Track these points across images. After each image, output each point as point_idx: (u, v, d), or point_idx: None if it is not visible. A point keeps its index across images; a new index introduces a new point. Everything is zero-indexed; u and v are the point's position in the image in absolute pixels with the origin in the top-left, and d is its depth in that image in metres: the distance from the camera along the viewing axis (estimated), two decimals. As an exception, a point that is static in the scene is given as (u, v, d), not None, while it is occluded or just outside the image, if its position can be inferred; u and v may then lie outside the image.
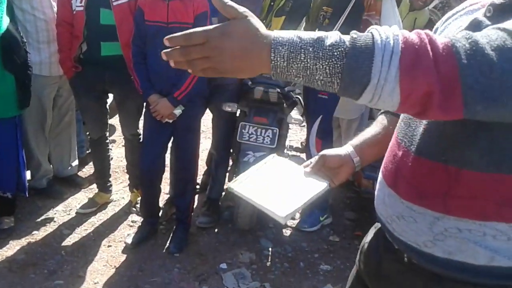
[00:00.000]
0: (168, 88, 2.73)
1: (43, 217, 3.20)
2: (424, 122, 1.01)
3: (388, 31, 0.78)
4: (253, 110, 3.03)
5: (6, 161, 2.89)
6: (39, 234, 3.01)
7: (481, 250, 0.97)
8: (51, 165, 3.52)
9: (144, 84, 2.76)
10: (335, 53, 0.76)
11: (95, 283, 2.61)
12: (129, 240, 2.93)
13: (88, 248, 2.91)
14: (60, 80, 3.25)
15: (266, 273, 2.80)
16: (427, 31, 0.79)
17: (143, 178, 2.97)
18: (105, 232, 3.10)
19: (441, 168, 0.97)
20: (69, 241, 2.97)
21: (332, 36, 0.77)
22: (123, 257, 2.85)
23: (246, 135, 2.98)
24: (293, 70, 0.78)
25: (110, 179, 3.46)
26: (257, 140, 2.96)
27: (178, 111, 2.76)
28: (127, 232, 3.10)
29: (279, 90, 2.97)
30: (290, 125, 3.33)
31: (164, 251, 2.92)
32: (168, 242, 2.98)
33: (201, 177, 3.69)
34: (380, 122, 1.29)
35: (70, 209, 3.32)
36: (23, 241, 2.93)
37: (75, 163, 3.68)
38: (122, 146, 4.03)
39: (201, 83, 2.77)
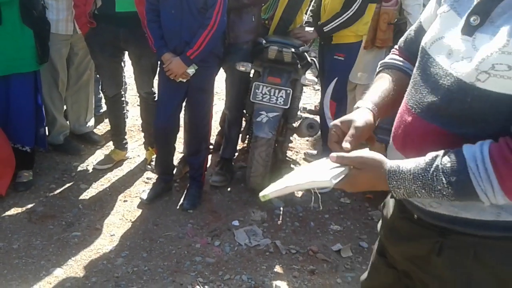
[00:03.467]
0: (181, 47, 2.71)
1: (60, 172, 3.27)
2: (439, 92, 1.02)
3: (478, 156, 0.91)
4: (267, 70, 3.01)
5: (25, 115, 2.94)
6: (57, 188, 3.09)
7: (487, 207, 0.99)
8: (67, 122, 3.57)
9: (158, 43, 2.75)
10: (444, 193, 0.95)
11: (111, 235, 2.69)
12: (144, 196, 3.00)
13: (104, 202, 2.99)
14: (73, 38, 3.25)
15: (277, 231, 2.85)
16: (509, 142, 0.90)
17: (158, 136, 3.00)
18: (121, 187, 3.16)
19: (449, 135, 1.00)
20: (86, 195, 3.05)
21: (438, 179, 0.94)
22: (139, 212, 2.92)
23: (260, 95, 2.96)
24: (415, 197, 1.00)
25: (126, 137, 3.50)
26: (270, 100, 2.95)
27: (191, 70, 2.75)
28: (142, 188, 3.16)
29: (293, 50, 2.93)
30: (304, 86, 3.30)
31: (178, 207, 2.98)
32: (182, 199, 3.04)
33: (215, 137, 3.71)
34: (389, 79, 1.26)
35: (87, 165, 3.39)
36: (42, 194, 3.01)
37: (92, 121, 3.73)
38: (137, 105, 4.07)
39: (215, 42, 2.74)
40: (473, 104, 0.95)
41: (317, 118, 3.49)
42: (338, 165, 1.05)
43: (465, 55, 0.97)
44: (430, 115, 1.02)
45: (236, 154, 3.50)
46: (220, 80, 3.67)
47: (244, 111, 3.30)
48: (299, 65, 3.04)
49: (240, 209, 3.03)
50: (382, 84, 1.25)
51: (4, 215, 2.78)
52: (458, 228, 1.04)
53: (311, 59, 3.18)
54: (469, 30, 0.99)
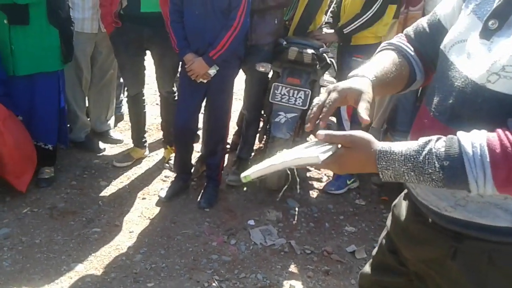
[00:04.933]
0: (204, 48, 2.74)
1: (81, 169, 3.34)
2: (454, 94, 1.02)
3: (476, 144, 0.90)
4: (286, 70, 3.02)
5: (48, 114, 3.00)
6: (77, 185, 3.16)
7: (502, 213, 1.00)
8: (88, 119, 3.63)
9: (180, 43, 2.78)
10: (434, 177, 0.93)
11: (130, 232, 2.74)
12: (163, 194, 3.04)
13: (124, 200, 3.04)
14: (97, 37, 3.31)
15: (292, 231, 2.86)
16: (507, 133, 0.90)
17: (177, 135, 3.04)
18: (140, 185, 3.22)
19: None
20: (106, 192, 3.11)
21: (430, 162, 0.92)
22: (157, 209, 2.97)
23: (279, 96, 2.98)
24: (401, 181, 0.98)
25: (145, 135, 3.55)
26: (289, 101, 2.96)
27: (212, 71, 2.78)
28: (160, 186, 3.21)
29: (313, 51, 2.94)
30: (322, 87, 3.31)
31: (195, 205, 3.02)
32: (199, 197, 3.08)
33: (232, 137, 3.74)
34: (393, 60, 1.19)
35: (107, 162, 3.44)
36: (63, 191, 3.08)
37: (112, 119, 3.79)
38: (156, 104, 4.13)
39: (237, 43, 2.77)
40: (483, 106, 0.95)
41: (334, 119, 3.49)
42: (324, 144, 1.02)
43: (480, 59, 0.98)
44: (446, 118, 1.03)
45: (253, 154, 3.52)
46: (238, 80, 3.70)
47: (262, 111, 3.32)
48: (318, 66, 3.05)
49: (255, 208, 3.05)
50: (385, 61, 1.18)
51: (26, 210, 2.85)
52: (473, 233, 1.04)
53: (329, 60, 3.18)
54: (486, 34, 0.99)
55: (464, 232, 1.05)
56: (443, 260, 1.09)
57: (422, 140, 0.95)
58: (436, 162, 0.91)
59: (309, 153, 1.00)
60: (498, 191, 0.90)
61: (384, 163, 0.96)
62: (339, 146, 1.01)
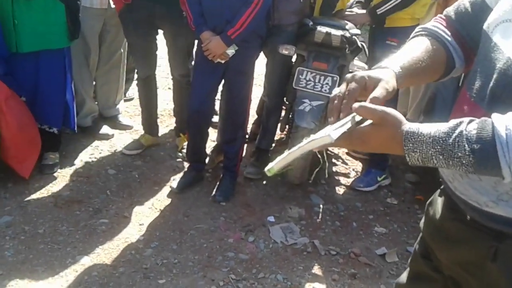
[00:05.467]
0: (222, 26, 2.75)
1: (88, 156, 3.39)
2: (495, 77, 1.01)
3: (510, 127, 0.89)
4: (312, 54, 3.01)
5: (54, 94, 3.05)
6: (84, 172, 3.21)
7: None
8: (96, 103, 3.67)
9: (197, 20, 2.79)
10: (464, 162, 0.93)
11: (140, 225, 2.78)
12: (175, 185, 3.07)
13: (133, 190, 3.08)
14: (106, 13, 3.34)
15: (316, 230, 2.87)
16: None
17: (191, 120, 3.05)
18: (150, 175, 3.25)
19: None
20: (114, 181, 3.15)
21: (460, 145, 0.92)
22: (168, 201, 3.00)
23: (303, 82, 2.97)
24: (429, 165, 0.98)
25: (157, 121, 3.58)
26: (314, 88, 2.95)
27: (231, 51, 2.79)
28: (172, 176, 3.24)
29: (342, 33, 2.92)
30: (351, 73, 3.28)
31: (210, 199, 3.04)
32: (215, 190, 3.10)
33: (251, 126, 3.75)
34: (426, 47, 1.21)
35: (115, 150, 3.49)
36: (68, 178, 3.13)
37: (121, 103, 3.82)
38: (168, 88, 4.15)
39: (258, 22, 2.77)
40: None
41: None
42: (344, 122, 1.02)
43: None
44: (487, 103, 1.03)
45: (274, 145, 3.53)
46: (258, 64, 3.69)
47: (285, 98, 3.32)
48: (347, 50, 3.03)
49: (276, 204, 3.06)
50: (415, 50, 1.20)
51: (29, 198, 2.90)
52: None
53: (360, 44, 3.16)
54: None
55: (506, 230, 1.04)
56: (482, 262, 1.09)
57: (453, 121, 0.96)
58: (467, 145, 0.91)
59: (321, 133, 0.99)
60: None
61: (411, 145, 0.97)
62: (363, 123, 1.01)
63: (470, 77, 1.12)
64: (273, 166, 1.04)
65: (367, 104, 1.01)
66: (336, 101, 1.08)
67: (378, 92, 1.05)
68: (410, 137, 0.97)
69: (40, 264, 2.43)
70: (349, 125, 1.01)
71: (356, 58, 3.31)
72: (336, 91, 1.10)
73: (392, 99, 3.35)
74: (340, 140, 0.99)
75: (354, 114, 1.03)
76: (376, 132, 1.00)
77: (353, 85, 1.08)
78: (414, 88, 3.38)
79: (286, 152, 1.04)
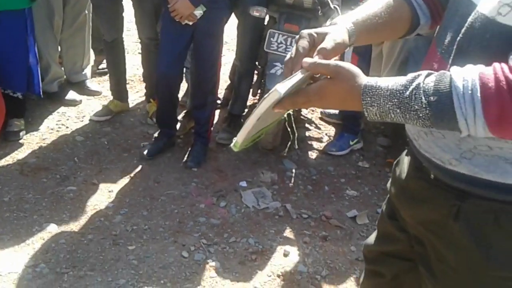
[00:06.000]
0: (189, -15, 2.65)
1: (54, 122, 3.30)
2: (462, 31, 0.99)
3: (467, 78, 0.88)
4: (283, 16, 2.94)
5: (16, 57, 2.94)
6: (50, 139, 3.12)
7: (511, 168, 0.98)
8: (62, 68, 3.56)
9: (163, -21, 2.69)
10: (421, 115, 0.91)
11: (109, 192, 2.73)
12: (145, 151, 3.02)
13: (102, 156, 3.01)
14: None
15: (288, 194, 2.86)
16: (503, 67, 0.87)
17: (160, 85, 2.98)
18: (120, 141, 3.18)
19: None
20: (82, 148, 3.08)
21: (417, 98, 0.91)
22: (139, 168, 2.95)
23: (275, 45, 2.91)
24: (387, 120, 0.96)
25: (126, 87, 3.49)
26: (286, 51, 2.90)
27: (199, 12, 2.71)
28: (142, 143, 3.18)
29: (315, -6, 2.85)
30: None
31: (181, 165, 3.01)
32: (186, 156, 3.06)
33: (223, 92, 3.69)
34: (386, 3, 1.18)
35: (83, 116, 3.40)
36: (34, 145, 3.04)
37: (89, 68, 3.71)
38: (138, 53, 4.04)
39: (227, -19, 2.68)
40: (491, 42, 0.92)
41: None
42: (293, 75, 0.97)
43: None
44: (452, 57, 1.00)
45: (246, 110, 3.49)
46: (230, 28, 3.61)
47: (257, 62, 3.26)
48: (320, 11, 2.97)
49: (248, 169, 3.04)
50: (373, 6, 1.18)
51: (-6, 165, 2.82)
52: (478, 191, 1.03)
53: (334, 6, 3.09)
54: None
55: (468, 189, 1.04)
56: (445, 221, 1.08)
57: (411, 75, 0.93)
58: (424, 98, 0.89)
59: (271, 91, 0.94)
60: (490, 131, 0.88)
61: (369, 98, 0.94)
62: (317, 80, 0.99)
63: (440, 33, 1.09)
64: (237, 139, 1.01)
65: (318, 60, 0.98)
66: (289, 63, 1.04)
67: (325, 43, 1.02)
68: (368, 90, 0.94)
69: (6, 233, 2.38)
70: (298, 77, 0.96)
71: (329, 20, 3.25)
72: (288, 55, 1.07)
73: (364, 64, 3.32)
74: (299, 96, 0.97)
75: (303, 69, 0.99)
76: (332, 86, 0.97)
77: (301, 42, 1.05)
78: (387, 53, 3.35)
79: (246, 123, 0.99)
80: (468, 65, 0.90)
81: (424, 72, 0.92)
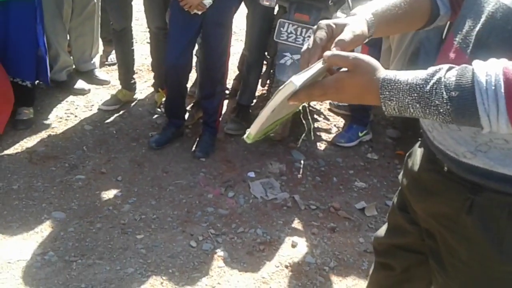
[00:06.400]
0: (198, -26, 2.63)
1: (63, 111, 3.30)
2: (482, 21, 0.96)
3: (491, 73, 0.85)
4: (294, 5, 2.91)
5: (25, 46, 2.94)
6: (59, 128, 3.12)
7: None
8: (71, 57, 3.55)
9: (173, -32, 2.66)
10: (441, 110, 0.88)
11: (118, 181, 2.73)
12: (154, 141, 3.01)
13: (111, 146, 3.01)
14: None
15: (296, 185, 2.85)
16: None
17: (168, 75, 2.96)
18: (128, 131, 3.18)
19: None
20: (91, 137, 3.08)
21: (437, 92, 0.88)
22: (147, 157, 2.94)
23: (285, 34, 2.89)
24: (406, 115, 0.93)
25: (134, 76, 3.48)
26: (296, 41, 2.87)
27: (208, 1, 2.68)
28: (151, 132, 3.17)
29: (325, -17, 2.82)
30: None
31: (189, 154, 3.00)
32: (194, 146, 3.05)
33: (232, 82, 3.67)
34: None
35: (92, 105, 3.40)
36: (43, 134, 3.05)
37: (97, 57, 3.70)
38: (147, 42, 4.02)
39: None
40: None
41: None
42: (308, 68, 0.95)
43: None
44: (471, 48, 0.98)
45: (255, 100, 3.47)
46: (239, 18, 3.58)
47: (266, 52, 3.23)
48: (330, 1, 2.94)
49: (256, 160, 3.03)
50: None
51: (3, 154, 2.83)
52: (492, 185, 1.01)
53: (345, -5, 3.06)
54: None
55: (482, 182, 1.02)
56: (457, 214, 1.07)
57: (432, 68, 0.91)
58: (445, 93, 0.87)
59: (286, 83, 0.92)
60: None
61: (387, 92, 0.91)
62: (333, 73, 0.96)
63: (458, 22, 1.07)
64: (250, 131, 0.98)
65: (337, 51, 0.95)
66: (306, 55, 1.01)
67: (344, 35, 0.99)
68: (387, 84, 0.91)
69: (15, 220, 2.39)
70: (314, 70, 0.94)
71: (339, 10, 3.22)
72: (305, 45, 1.04)
73: (375, 55, 3.28)
74: (314, 89, 0.94)
75: (321, 60, 0.96)
76: (350, 79, 0.94)
77: (319, 33, 1.02)
78: (396, 43, 3.31)
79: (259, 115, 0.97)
80: (491, 59, 0.87)
81: (445, 66, 0.90)
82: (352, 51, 2.92)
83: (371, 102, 0.95)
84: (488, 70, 0.85)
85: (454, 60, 1.02)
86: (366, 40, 1.14)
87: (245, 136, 1.00)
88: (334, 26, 1.03)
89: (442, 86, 0.87)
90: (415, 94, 0.89)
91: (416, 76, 0.90)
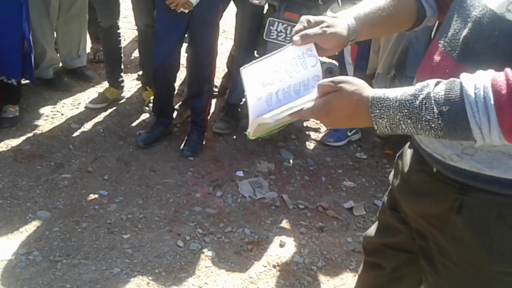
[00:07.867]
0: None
1: (49, 109, 3.25)
2: (469, 25, 0.96)
3: (479, 86, 0.84)
4: (283, 4, 2.89)
5: (11, 44, 2.89)
6: (45, 126, 3.07)
7: None
8: (58, 55, 3.50)
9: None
10: (433, 125, 0.88)
11: (104, 180, 2.69)
12: (141, 140, 2.97)
13: (97, 144, 2.97)
14: None
15: (285, 185, 2.83)
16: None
17: (156, 74, 2.93)
18: (116, 129, 3.14)
19: None
20: (77, 135, 3.03)
21: (428, 107, 0.87)
22: (134, 156, 2.91)
23: (274, 33, 2.87)
24: (398, 132, 0.93)
25: (122, 74, 3.44)
26: (286, 40, 2.85)
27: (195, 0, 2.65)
28: (138, 131, 3.13)
29: (315, -18, 2.80)
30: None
31: (177, 154, 2.96)
32: (182, 145, 3.02)
33: (220, 80, 3.65)
34: None
35: (79, 103, 3.35)
36: (29, 132, 3.00)
37: (85, 55, 3.66)
38: (135, 40, 3.98)
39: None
40: (500, 39, 0.90)
41: (336, 63, 3.39)
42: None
43: None
44: (458, 53, 0.97)
45: (244, 99, 3.44)
46: (229, 16, 3.55)
47: (255, 51, 3.20)
48: (320, 0, 2.92)
49: (245, 159, 3.00)
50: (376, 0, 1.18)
51: (-13, 152, 2.78)
52: (481, 186, 1.00)
53: (334, -5, 3.05)
54: None
55: (471, 183, 1.02)
56: (447, 215, 1.06)
57: (419, 84, 0.91)
58: (435, 108, 0.87)
59: (305, 99, 1.02)
60: (506, 139, 0.85)
61: (377, 111, 0.92)
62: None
63: (444, 25, 1.06)
64: (248, 130, 1.06)
65: (321, 80, 1.00)
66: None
67: (311, 30, 1.06)
68: (377, 102, 0.92)
69: (-1, 220, 2.34)
70: (309, 99, 1.02)
71: (329, 9, 3.20)
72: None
73: (362, 57, 3.26)
74: (306, 116, 1.00)
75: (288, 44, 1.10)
76: (338, 101, 0.96)
77: (297, 27, 1.11)
78: (383, 41, 3.31)
79: (267, 115, 1.03)
80: (478, 71, 0.87)
81: (432, 81, 0.90)
82: (342, 51, 2.92)
83: (362, 123, 0.96)
84: (476, 82, 0.85)
85: (439, 63, 1.02)
86: (350, 44, 1.16)
87: (247, 131, 1.08)
88: (312, 21, 1.09)
89: (432, 101, 0.87)
90: (405, 110, 0.89)
91: (405, 92, 0.91)
